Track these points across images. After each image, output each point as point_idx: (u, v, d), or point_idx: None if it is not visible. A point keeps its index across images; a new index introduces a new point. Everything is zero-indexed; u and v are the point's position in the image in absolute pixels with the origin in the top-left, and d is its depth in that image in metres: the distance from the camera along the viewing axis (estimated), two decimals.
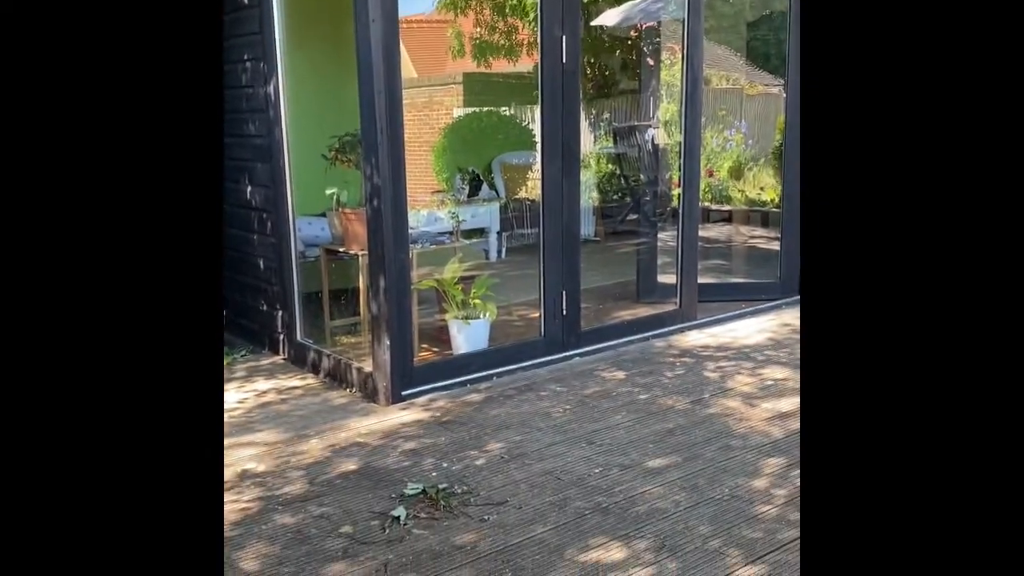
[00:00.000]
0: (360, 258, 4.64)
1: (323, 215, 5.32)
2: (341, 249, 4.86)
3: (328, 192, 4.74)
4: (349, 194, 4.77)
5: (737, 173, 9.24)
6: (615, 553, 2.75)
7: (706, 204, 8.62)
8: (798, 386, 4.32)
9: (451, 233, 5.50)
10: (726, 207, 8.92)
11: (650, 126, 8.19)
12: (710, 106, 9.20)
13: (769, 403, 4.11)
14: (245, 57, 4.85)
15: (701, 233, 5.80)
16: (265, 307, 5.12)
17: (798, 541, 2.80)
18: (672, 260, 5.73)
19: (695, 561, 2.70)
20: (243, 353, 5.15)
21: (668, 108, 8.38)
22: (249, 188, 5.03)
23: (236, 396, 4.40)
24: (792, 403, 4.09)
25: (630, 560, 2.71)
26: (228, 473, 3.43)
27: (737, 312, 5.77)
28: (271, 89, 4.62)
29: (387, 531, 2.93)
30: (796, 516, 2.97)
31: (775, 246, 6.59)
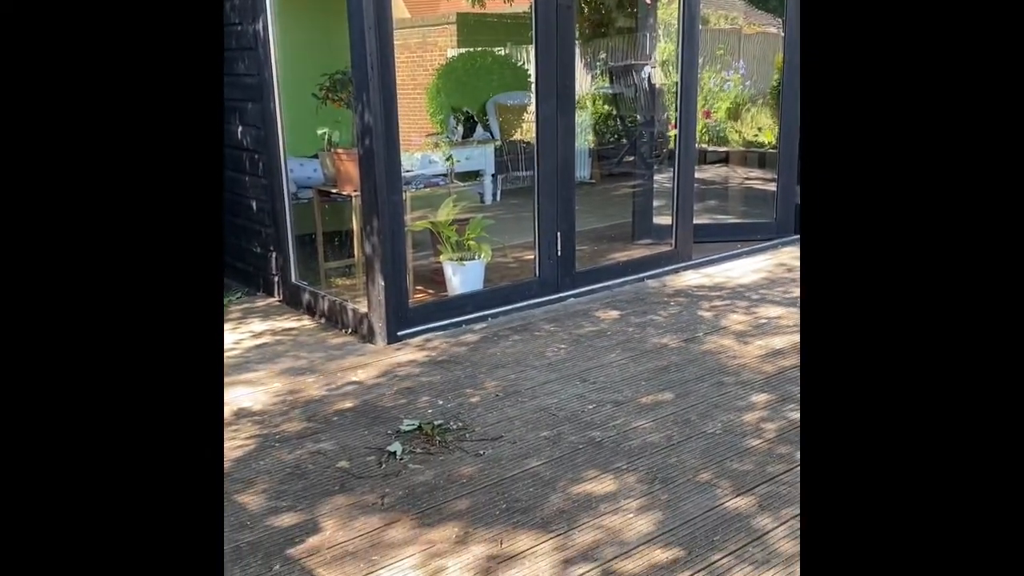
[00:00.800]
0: (353, 199, 4.61)
1: (315, 156, 5.28)
2: (334, 190, 4.83)
3: (320, 132, 4.69)
4: (341, 134, 4.72)
5: (735, 114, 9.13)
6: (607, 485, 2.80)
7: (703, 145, 8.53)
8: (791, 324, 4.35)
9: (446, 175, 5.46)
10: (723, 148, 8.83)
11: (647, 66, 8.08)
12: (708, 46, 9.05)
13: (762, 340, 4.14)
14: None
15: (697, 174, 5.77)
16: (259, 249, 5.11)
17: (788, 473, 2.85)
18: (668, 201, 5.71)
19: (686, 492, 2.74)
20: (238, 295, 5.16)
21: (665, 48, 8.26)
22: (240, 128, 4.97)
23: (232, 337, 4.42)
24: (785, 340, 4.12)
25: (622, 491, 2.76)
26: (226, 411, 3.46)
27: (732, 252, 5.77)
28: (260, 26, 4.53)
29: (384, 466, 2.98)
30: (786, 450, 3.02)
31: (771, 187, 6.55)
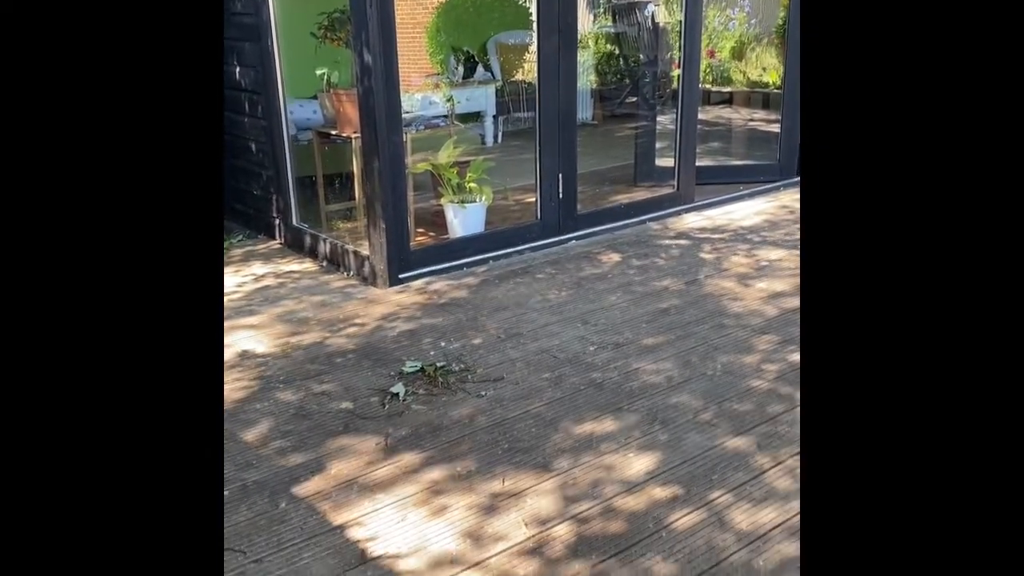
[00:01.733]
0: (353, 141, 4.56)
1: (315, 97, 5.21)
2: (334, 132, 4.78)
3: (318, 72, 4.62)
4: (340, 74, 4.65)
5: (739, 53, 8.98)
6: (608, 425, 2.83)
7: (706, 86, 8.41)
8: (793, 266, 4.34)
9: (446, 117, 5.40)
10: (727, 89, 8.71)
11: (650, 4, 7.92)
12: None
13: (764, 283, 4.14)
14: None
15: (700, 115, 5.70)
16: (259, 191, 5.08)
17: (787, 414, 2.88)
18: (670, 143, 5.65)
19: (685, 432, 2.78)
20: (239, 238, 5.15)
21: None
22: (238, 69, 4.89)
23: (234, 280, 4.42)
24: (786, 283, 4.12)
25: (622, 431, 2.79)
26: (228, 353, 3.49)
27: (735, 194, 5.73)
28: None
29: (387, 407, 3.01)
30: (786, 390, 3.05)
31: (775, 128, 6.48)
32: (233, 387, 3.18)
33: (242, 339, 3.64)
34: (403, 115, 4.23)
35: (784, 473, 2.53)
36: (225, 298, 4.11)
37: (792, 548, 2.20)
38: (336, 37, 4.56)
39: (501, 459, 2.65)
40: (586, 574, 2.12)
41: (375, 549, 2.24)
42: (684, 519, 2.32)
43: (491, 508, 2.40)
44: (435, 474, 2.57)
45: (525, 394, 3.07)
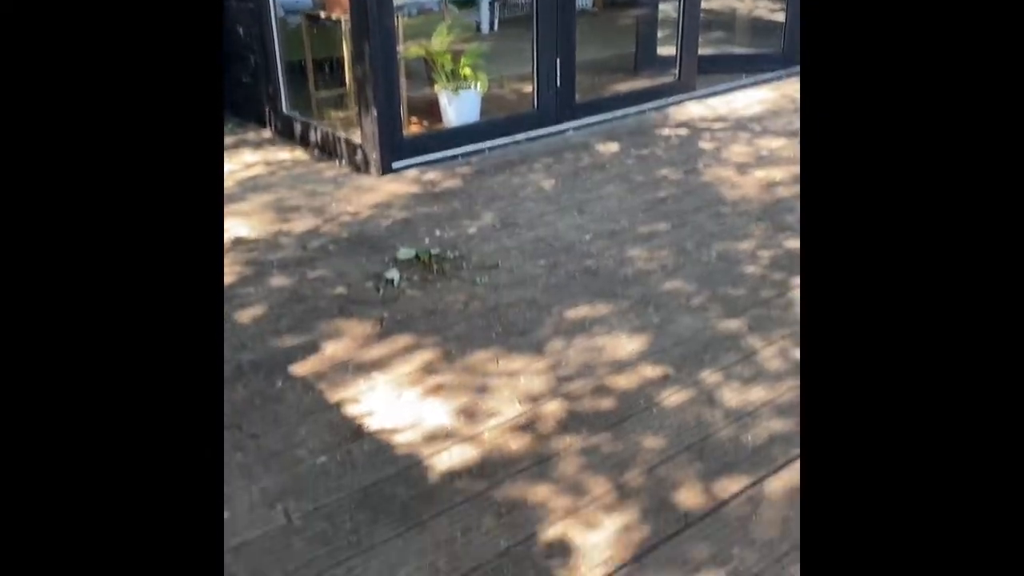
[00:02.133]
0: (343, 23, 4.41)
1: None
2: (323, 14, 4.61)
3: None
4: None
5: None
6: (602, 310, 2.84)
7: None
8: (792, 155, 4.28)
9: (439, 1, 5.20)
10: None
11: None
12: None
13: (762, 172, 4.09)
14: None
15: (703, 4, 5.49)
16: (248, 78, 4.95)
17: (779, 298, 2.89)
18: (672, 31, 5.47)
19: (677, 316, 2.79)
20: (229, 126, 5.04)
21: None
22: None
23: (224, 168, 4.36)
24: (785, 171, 4.06)
25: (615, 314, 2.80)
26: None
27: (737, 83, 5.60)
28: None
29: (382, 292, 3.01)
30: (779, 276, 3.04)
31: (780, 17, 6.27)
32: (226, 271, 3.17)
33: (234, 226, 3.61)
34: None
35: (775, 354, 2.55)
36: None
37: (780, 424, 2.24)
38: None
39: (495, 341, 2.66)
40: (577, 447, 2.16)
41: (371, 424, 2.28)
42: (674, 397, 2.36)
43: (485, 387, 2.43)
44: (429, 355, 2.60)
45: (520, 280, 3.07)
